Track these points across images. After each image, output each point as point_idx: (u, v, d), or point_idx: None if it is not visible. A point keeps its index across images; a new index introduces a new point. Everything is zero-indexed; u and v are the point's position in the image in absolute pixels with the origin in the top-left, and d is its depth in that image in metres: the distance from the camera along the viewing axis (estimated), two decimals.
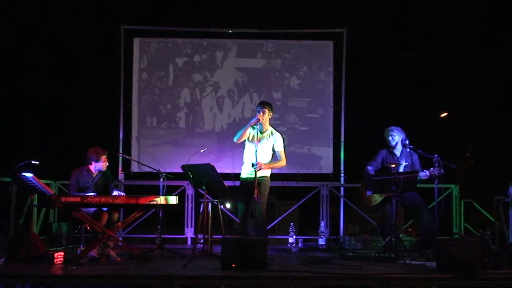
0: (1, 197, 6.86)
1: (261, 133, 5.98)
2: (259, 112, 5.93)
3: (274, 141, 6.03)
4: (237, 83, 8.32)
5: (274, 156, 6.09)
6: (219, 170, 5.78)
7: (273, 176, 6.22)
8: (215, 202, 6.30)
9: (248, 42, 8.43)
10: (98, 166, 6.00)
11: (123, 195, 5.80)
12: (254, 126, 5.90)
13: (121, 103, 8.24)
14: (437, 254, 4.93)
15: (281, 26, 8.48)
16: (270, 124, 6.13)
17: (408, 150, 6.19)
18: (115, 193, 5.93)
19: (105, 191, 6.07)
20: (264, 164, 5.88)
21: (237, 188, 6.19)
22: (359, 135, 8.69)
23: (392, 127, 6.32)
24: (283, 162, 6.07)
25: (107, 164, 6.06)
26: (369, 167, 6.30)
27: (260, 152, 5.85)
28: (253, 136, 5.96)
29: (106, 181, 6.11)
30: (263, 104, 6.03)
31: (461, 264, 4.59)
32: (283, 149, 6.09)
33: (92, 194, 5.77)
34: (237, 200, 6.12)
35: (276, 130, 6.16)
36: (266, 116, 5.97)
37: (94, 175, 6.02)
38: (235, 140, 6.09)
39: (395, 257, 5.56)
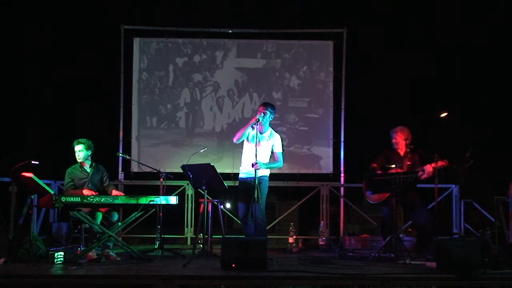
0: (1, 197, 6.86)
1: (261, 133, 5.99)
2: (260, 112, 5.93)
3: (273, 142, 6.04)
4: (237, 83, 8.32)
5: (272, 157, 6.10)
6: (219, 170, 5.79)
7: (273, 176, 6.24)
8: (215, 202, 6.30)
9: (248, 42, 8.44)
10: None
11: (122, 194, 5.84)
12: (254, 126, 5.90)
13: (121, 103, 8.25)
14: (437, 254, 4.93)
15: (281, 26, 8.49)
16: (270, 125, 6.13)
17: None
18: (114, 192, 5.94)
19: (102, 186, 6.10)
20: (263, 163, 5.89)
21: (237, 188, 6.19)
22: (359, 135, 8.68)
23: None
24: (280, 164, 6.09)
25: (79, 156, 5.97)
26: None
27: (260, 152, 5.85)
28: (253, 136, 5.95)
29: (101, 176, 6.12)
30: (265, 105, 6.02)
31: (461, 264, 4.59)
32: (281, 151, 6.09)
33: (90, 191, 5.77)
34: (237, 200, 6.13)
35: (275, 132, 6.16)
36: (267, 117, 5.97)
37: (88, 171, 6.03)
38: (234, 140, 6.09)
39: (395, 257, 5.56)
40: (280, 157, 6.06)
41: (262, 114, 5.91)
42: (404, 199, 5.94)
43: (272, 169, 6.17)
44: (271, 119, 6.07)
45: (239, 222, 7.65)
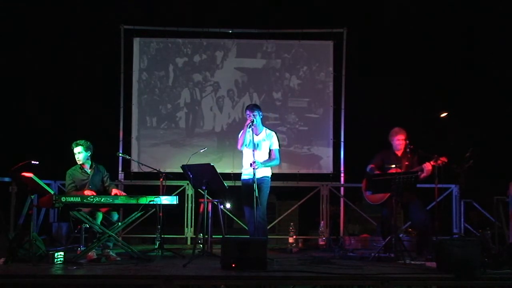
0: (1, 197, 6.86)
1: (257, 135, 6.05)
2: (249, 116, 6.00)
3: (270, 140, 6.09)
4: (237, 83, 8.32)
5: (269, 155, 6.13)
6: (219, 170, 5.79)
7: (273, 176, 6.25)
8: (215, 202, 6.30)
9: (248, 42, 8.44)
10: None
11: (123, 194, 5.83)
12: (250, 129, 5.95)
13: (121, 103, 8.25)
14: (437, 254, 4.93)
15: (281, 26, 8.49)
16: (263, 125, 6.19)
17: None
18: (115, 191, 5.94)
19: (103, 187, 6.10)
20: (261, 163, 5.93)
21: (237, 189, 6.20)
22: (359, 135, 8.68)
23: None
24: (277, 161, 6.16)
25: (79, 158, 5.99)
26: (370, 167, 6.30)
27: (258, 155, 5.97)
28: (250, 141, 6.00)
29: (102, 177, 6.13)
30: (251, 109, 6.09)
31: (461, 264, 4.59)
32: (278, 148, 6.15)
33: (91, 192, 5.78)
34: (241, 203, 6.15)
35: (270, 129, 6.21)
36: (258, 118, 6.07)
37: (89, 172, 6.03)
38: (239, 147, 6.17)
39: (395, 257, 5.56)
40: (276, 154, 6.12)
41: (253, 117, 5.98)
42: (402, 199, 5.94)
43: (272, 168, 6.21)
44: (261, 117, 6.16)
45: (239, 222, 7.68)
